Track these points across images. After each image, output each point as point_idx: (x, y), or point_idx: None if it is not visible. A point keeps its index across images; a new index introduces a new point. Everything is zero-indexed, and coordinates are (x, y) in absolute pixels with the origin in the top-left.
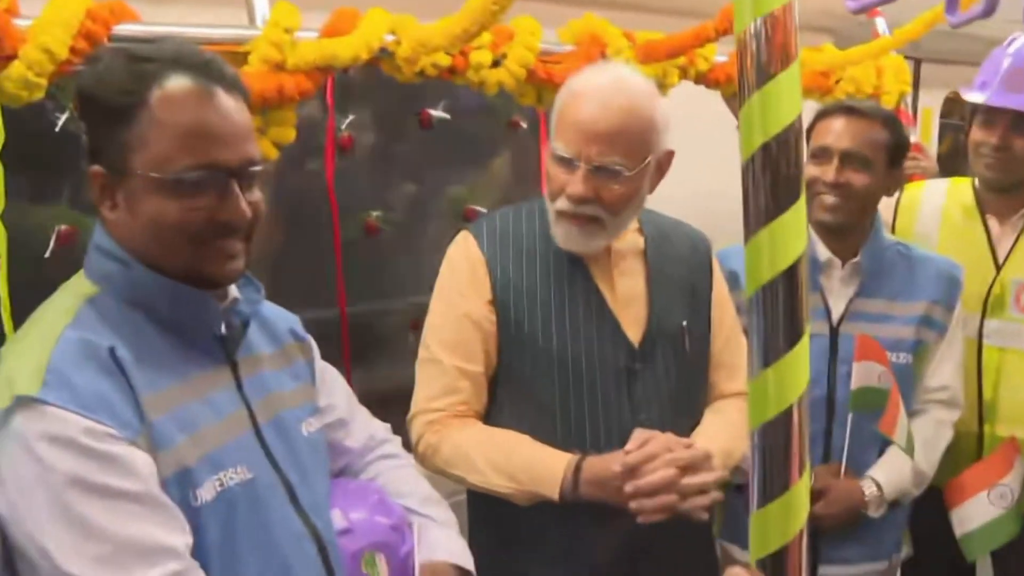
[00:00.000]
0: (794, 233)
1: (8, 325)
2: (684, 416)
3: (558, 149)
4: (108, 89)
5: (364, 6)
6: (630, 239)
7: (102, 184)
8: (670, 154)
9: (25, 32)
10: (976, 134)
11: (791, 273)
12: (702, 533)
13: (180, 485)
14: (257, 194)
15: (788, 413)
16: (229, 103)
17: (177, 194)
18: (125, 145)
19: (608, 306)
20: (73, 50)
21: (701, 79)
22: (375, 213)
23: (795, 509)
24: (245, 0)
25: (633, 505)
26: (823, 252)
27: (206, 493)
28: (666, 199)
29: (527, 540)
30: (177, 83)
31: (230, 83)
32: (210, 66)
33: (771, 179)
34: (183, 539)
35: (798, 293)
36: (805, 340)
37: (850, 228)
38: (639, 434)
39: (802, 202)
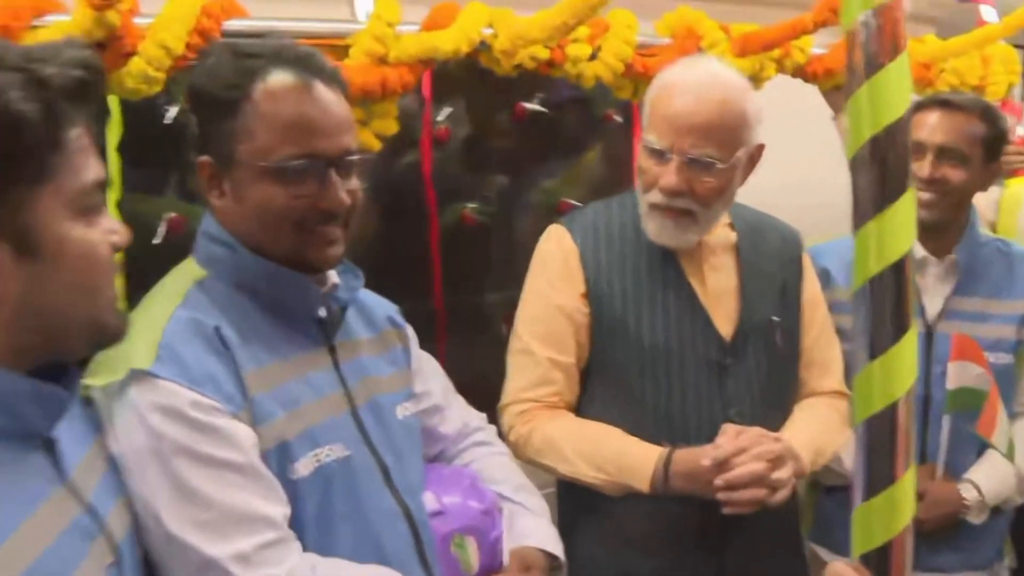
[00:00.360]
0: (902, 225)
1: (123, 306)
2: (774, 411)
3: (651, 141)
4: (216, 84)
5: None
6: (721, 234)
7: (210, 173)
8: (760, 147)
9: (144, 30)
10: None
11: (899, 266)
12: (791, 532)
13: (279, 458)
14: (355, 182)
15: (894, 407)
16: (328, 96)
17: (281, 181)
18: (231, 136)
19: (699, 300)
20: (188, 46)
21: (798, 72)
22: (471, 205)
23: (900, 504)
24: None
25: (722, 497)
26: (918, 249)
27: (304, 468)
28: (757, 191)
29: (616, 530)
30: (279, 77)
31: (329, 76)
32: (310, 60)
33: (879, 171)
34: (281, 510)
35: (905, 286)
36: (912, 334)
37: (945, 224)
38: (730, 428)
39: (910, 194)
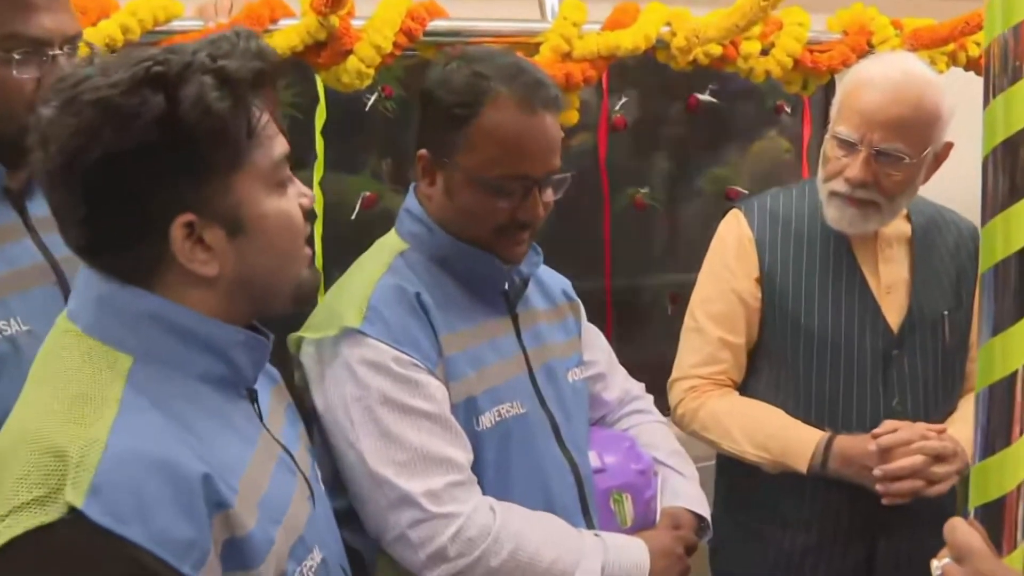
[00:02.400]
0: None
1: (320, 274)
2: (939, 404)
3: (841, 132)
4: (450, 98)
5: (643, 0)
6: (897, 226)
7: (426, 165)
8: (948, 146)
9: (359, 31)
10: None
11: (1022, 253)
12: (945, 521)
13: (467, 411)
14: (551, 195)
15: (1012, 377)
16: (547, 121)
17: (491, 194)
18: (454, 144)
19: (871, 290)
20: (395, 44)
21: (972, 66)
22: (643, 190)
23: (1015, 462)
24: None
25: (880, 488)
26: None
27: (487, 421)
28: (932, 184)
29: (770, 506)
30: (507, 101)
31: (552, 102)
32: (538, 88)
33: (1010, 171)
34: (466, 456)
35: None
36: None
37: None
38: (888, 423)
39: None
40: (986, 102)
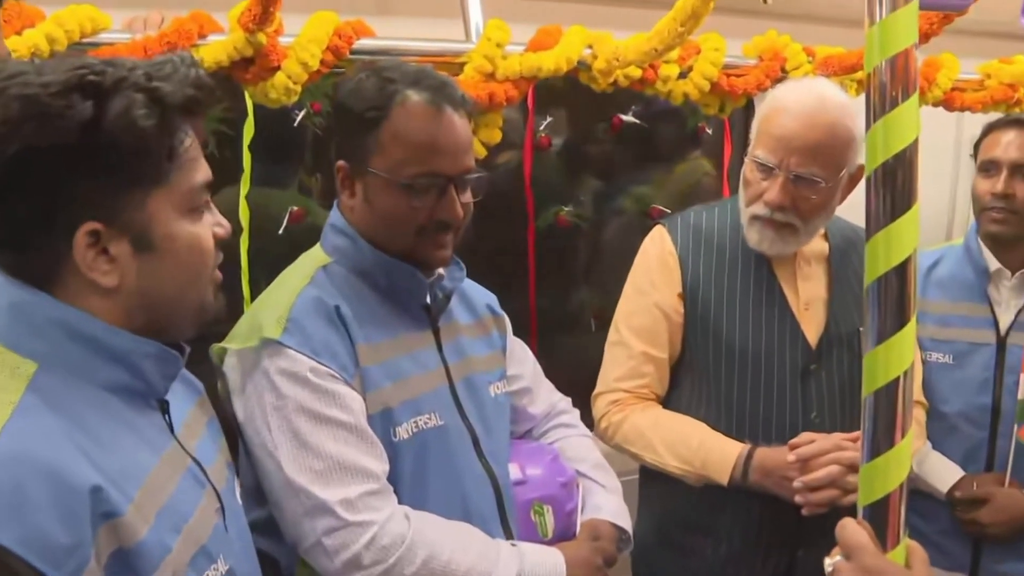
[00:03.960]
0: (907, 235)
1: (246, 287)
2: (855, 416)
3: (759, 156)
4: (360, 104)
5: (566, 23)
6: (815, 244)
7: (344, 175)
8: (862, 168)
9: (286, 48)
10: None
11: (902, 268)
12: None
13: (383, 422)
14: (469, 196)
15: (895, 383)
16: (456, 120)
17: (407, 193)
18: (368, 149)
19: (790, 307)
20: (322, 62)
21: None
22: (567, 208)
23: (898, 464)
24: (462, 16)
25: (799, 499)
26: (992, 263)
27: (404, 432)
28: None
29: (692, 517)
30: (415, 102)
31: (459, 102)
32: (443, 88)
33: (890, 190)
34: (381, 466)
35: (907, 285)
36: (911, 324)
37: (1018, 238)
38: (806, 435)
39: (915, 210)
40: (868, 127)
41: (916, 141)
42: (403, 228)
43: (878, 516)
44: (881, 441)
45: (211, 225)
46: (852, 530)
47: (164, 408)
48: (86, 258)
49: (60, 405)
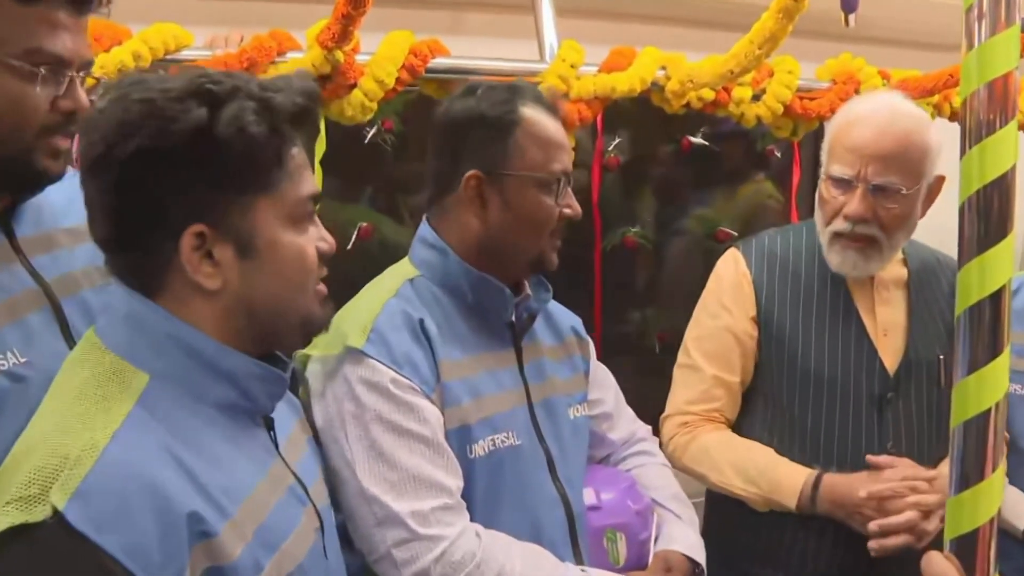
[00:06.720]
0: (1002, 262)
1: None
2: (932, 447)
3: (835, 171)
4: (493, 110)
5: (640, 44)
6: (894, 269)
7: (476, 185)
8: (941, 179)
9: (363, 67)
10: None
11: (996, 297)
12: None
13: (460, 438)
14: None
15: (987, 415)
16: (566, 125)
17: (546, 192)
18: (505, 153)
19: (867, 333)
20: (398, 79)
21: (955, 117)
22: (633, 229)
23: (988, 498)
24: (536, 36)
25: (872, 544)
26: None
27: (480, 449)
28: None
29: (759, 545)
30: (535, 105)
31: (556, 109)
32: (543, 97)
33: (984, 217)
34: (456, 482)
35: (1001, 314)
36: (1005, 354)
37: None
38: (882, 459)
39: (1011, 238)
40: (963, 152)
41: (1014, 168)
42: (545, 227)
43: (966, 551)
44: (971, 473)
45: (316, 239)
46: (939, 564)
47: (269, 425)
48: (192, 259)
49: (168, 419)
